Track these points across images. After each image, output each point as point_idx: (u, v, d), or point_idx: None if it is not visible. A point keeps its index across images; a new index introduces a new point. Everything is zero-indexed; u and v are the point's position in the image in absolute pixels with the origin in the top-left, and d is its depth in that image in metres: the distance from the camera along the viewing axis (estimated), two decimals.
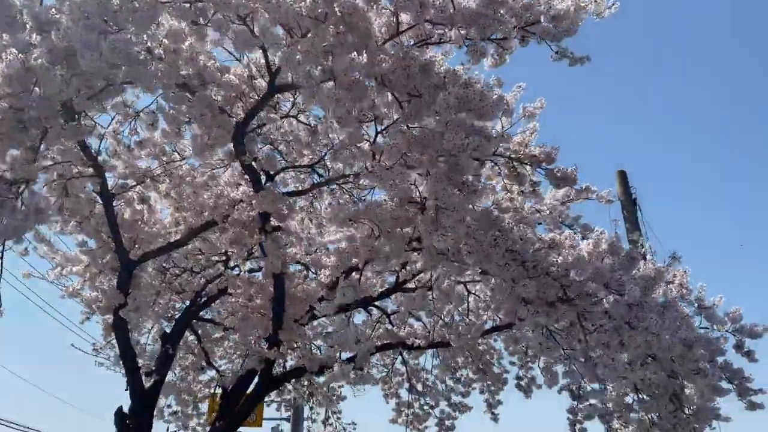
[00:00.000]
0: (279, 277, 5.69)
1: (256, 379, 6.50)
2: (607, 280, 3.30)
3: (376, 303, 8.34)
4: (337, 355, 5.46)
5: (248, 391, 6.55)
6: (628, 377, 4.27)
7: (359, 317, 8.82)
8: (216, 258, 7.22)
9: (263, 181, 5.00)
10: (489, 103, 3.05)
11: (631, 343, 3.11)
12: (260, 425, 21.39)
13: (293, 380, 9.72)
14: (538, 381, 8.66)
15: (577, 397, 8.26)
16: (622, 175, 8.66)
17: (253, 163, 4.70)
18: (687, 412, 4.29)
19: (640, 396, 4.47)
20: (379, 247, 3.95)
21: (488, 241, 3.35)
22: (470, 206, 3.53)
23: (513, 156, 4.66)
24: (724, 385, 4.36)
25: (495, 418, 9.12)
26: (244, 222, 5.13)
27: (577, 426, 8.09)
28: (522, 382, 8.64)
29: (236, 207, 5.10)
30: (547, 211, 5.90)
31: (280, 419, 21.19)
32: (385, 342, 7.15)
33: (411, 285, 8.48)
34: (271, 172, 5.11)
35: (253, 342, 6.38)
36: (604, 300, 3.21)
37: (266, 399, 10.00)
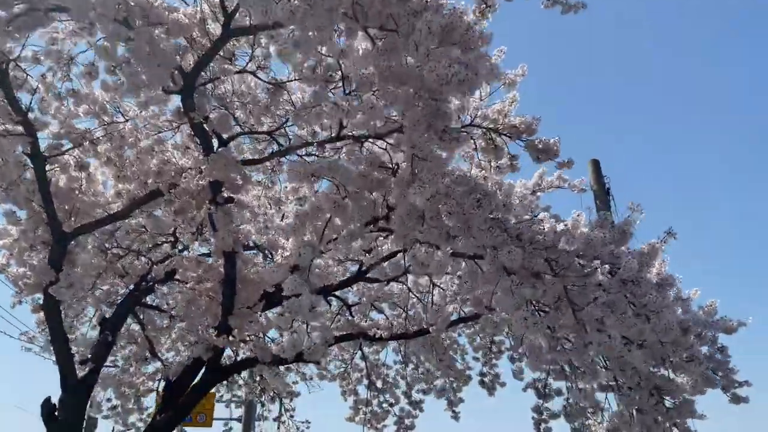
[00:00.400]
0: (230, 256, 5.20)
1: (203, 370, 5.98)
2: (599, 253, 2.93)
3: (336, 293, 7.90)
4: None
5: (194, 383, 6.02)
6: (612, 367, 3.93)
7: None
8: (163, 238, 6.67)
9: (215, 147, 4.52)
10: (476, 37, 2.67)
11: (625, 322, 2.75)
12: (210, 425, 20.65)
13: (245, 375, 9.19)
14: (503, 378, 8.34)
15: (543, 395, 7.97)
16: (596, 165, 8.41)
17: (204, 123, 4.22)
18: (667, 405, 3.97)
19: (621, 388, 4.13)
20: (343, 207, 3.50)
21: (470, 203, 2.96)
22: (449, 164, 3.14)
23: (491, 127, 4.29)
24: None
25: (456, 417, 8.76)
26: (193, 192, 4.63)
27: (542, 425, 7.79)
28: (486, 379, 8.30)
29: (184, 175, 4.60)
30: (517, 200, 5.57)
31: (230, 419, 20.48)
32: (344, 333, 6.70)
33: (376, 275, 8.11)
34: (225, 137, 4.61)
35: (200, 329, 5.85)
36: (598, 272, 2.85)
37: (217, 396, 9.44)
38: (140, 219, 5.87)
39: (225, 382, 9.14)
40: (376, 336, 6.62)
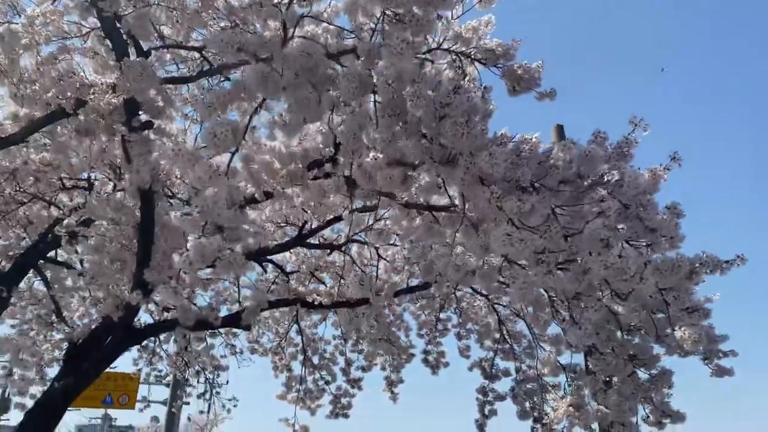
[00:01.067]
0: (147, 196, 4.43)
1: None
2: (598, 169, 2.35)
3: (273, 258, 7.20)
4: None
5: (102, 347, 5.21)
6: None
7: (252, 276, 7.63)
8: (74, 182, 5.81)
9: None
10: None
11: (629, 252, 2.20)
12: (133, 407, 19.50)
13: (168, 348, 8.36)
14: (447, 358, 7.82)
15: (489, 375, 7.51)
16: (560, 130, 7.99)
17: (117, 24, 3.46)
18: (647, 375, 3.49)
19: (595, 351, 3.63)
20: (275, 83, 2.77)
21: (443, 93, 2.33)
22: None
23: (462, 50, 3.70)
24: None
25: (394, 398, 8.21)
26: (103, 112, 3.85)
27: (487, 407, 7.33)
28: (430, 357, 7.77)
29: (92, 92, 3.81)
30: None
31: (152, 401, 19.44)
32: (280, 298, 6.01)
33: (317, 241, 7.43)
34: (144, 48, 3.84)
35: (111, 285, 5.06)
36: (599, 189, 2.28)
37: (135, 371, 8.57)
38: (45, 154, 5.00)
39: (144, 356, 8.29)
40: (316, 303, 5.95)
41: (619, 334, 3.72)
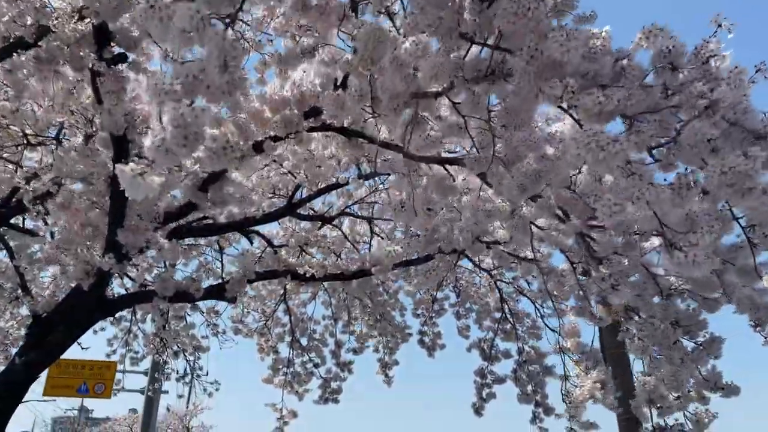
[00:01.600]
0: (121, 145, 3.91)
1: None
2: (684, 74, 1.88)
3: (260, 231, 6.69)
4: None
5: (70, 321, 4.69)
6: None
7: (235, 250, 7.12)
8: (40, 139, 5.24)
9: None
10: None
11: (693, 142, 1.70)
12: (109, 396, 18.87)
13: (146, 328, 7.82)
14: (444, 339, 7.39)
15: (489, 357, 7.09)
16: None
17: None
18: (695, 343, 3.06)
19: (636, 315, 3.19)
20: None
21: None
22: None
23: None
24: None
25: (388, 381, 7.77)
26: (68, 41, 3.32)
27: (485, 390, 6.91)
28: (426, 338, 7.33)
29: (56, 16, 3.28)
30: None
31: (129, 390, 18.85)
32: (268, 269, 5.51)
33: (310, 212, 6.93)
34: None
35: (80, 249, 4.53)
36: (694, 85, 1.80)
37: (109, 351, 8.00)
38: (5, 103, 4.44)
39: (120, 336, 7.74)
40: (307, 275, 5.47)
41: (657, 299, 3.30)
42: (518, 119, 2.83)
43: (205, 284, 5.20)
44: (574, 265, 3.92)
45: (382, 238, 6.85)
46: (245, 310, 7.53)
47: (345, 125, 4.20)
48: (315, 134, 4.61)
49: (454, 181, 3.90)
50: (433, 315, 7.35)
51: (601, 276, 3.03)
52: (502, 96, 2.82)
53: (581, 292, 3.94)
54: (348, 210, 7.10)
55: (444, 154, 3.91)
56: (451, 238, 5.18)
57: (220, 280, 6.57)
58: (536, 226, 4.11)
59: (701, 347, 3.12)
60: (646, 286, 3.06)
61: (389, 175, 6.44)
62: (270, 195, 6.55)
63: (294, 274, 5.48)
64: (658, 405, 3.21)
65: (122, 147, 3.93)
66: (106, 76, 3.44)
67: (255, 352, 7.58)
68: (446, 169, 3.94)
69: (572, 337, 3.72)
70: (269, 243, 6.54)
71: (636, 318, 3.08)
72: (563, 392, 3.92)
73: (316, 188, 6.42)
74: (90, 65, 3.39)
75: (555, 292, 4.03)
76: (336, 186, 6.45)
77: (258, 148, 4.36)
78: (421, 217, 4.97)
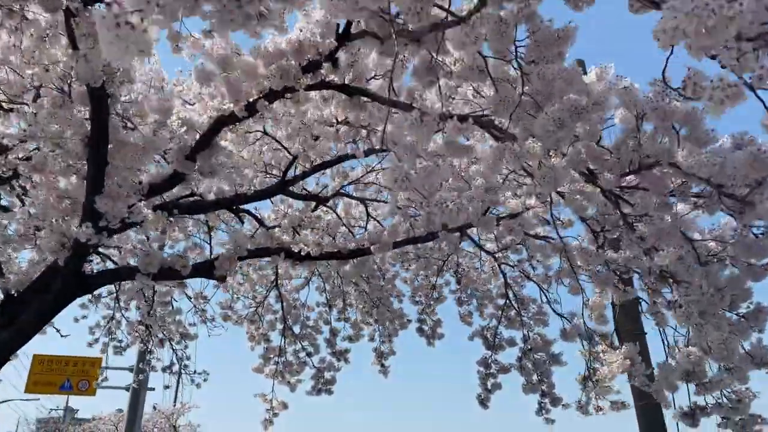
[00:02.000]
0: (99, 99, 3.54)
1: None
2: None
3: (251, 209, 6.33)
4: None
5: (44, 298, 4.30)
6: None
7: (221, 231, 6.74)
8: (15, 102, 4.84)
9: None
10: None
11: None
12: (94, 393, 18.40)
13: (130, 316, 7.41)
14: (442, 330, 7.04)
15: (492, 346, 6.76)
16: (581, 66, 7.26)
17: None
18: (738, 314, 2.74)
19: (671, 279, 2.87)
20: None
21: None
22: None
23: None
24: None
25: (384, 372, 7.41)
26: None
27: (490, 381, 6.58)
28: (425, 326, 6.98)
29: None
30: None
31: (113, 388, 18.43)
32: (260, 247, 5.14)
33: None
34: None
35: (55, 220, 4.15)
36: None
37: (91, 339, 7.59)
38: None
39: (103, 324, 7.34)
40: (302, 253, 5.10)
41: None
42: (551, 52, 2.50)
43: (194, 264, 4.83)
44: (596, 234, 3.59)
45: (379, 222, 6.50)
46: (235, 295, 7.15)
47: (346, 82, 3.85)
48: (313, 95, 4.26)
49: (468, 140, 3.57)
50: (432, 302, 7.02)
51: (640, 235, 2.70)
52: (534, 26, 2.50)
53: (604, 266, 3.62)
54: (343, 191, 6.76)
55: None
56: (457, 212, 4.85)
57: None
58: (558, 193, 3.78)
59: (744, 319, 2.80)
60: (684, 251, 2.74)
61: (388, 151, 6.11)
62: (262, 172, 6.18)
63: (288, 252, 5.12)
64: (697, 382, 2.88)
65: (101, 102, 3.56)
66: (81, 16, 3.07)
67: (245, 340, 7.21)
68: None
69: (597, 309, 3.38)
70: (260, 223, 6.18)
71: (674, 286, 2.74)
72: (589, 368, 3.58)
73: (310, 165, 6.08)
74: (64, 5, 3.02)
75: (579, 263, 3.69)
76: (332, 163, 6.11)
77: (251, 108, 4.01)
78: (424, 188, 4.64)
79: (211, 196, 5.83)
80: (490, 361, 6.61)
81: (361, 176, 6.82)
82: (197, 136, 4.39)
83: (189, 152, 4.33)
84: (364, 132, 5.35)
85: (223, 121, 4.23)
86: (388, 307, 6.73)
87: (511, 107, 2.58)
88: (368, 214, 6.76)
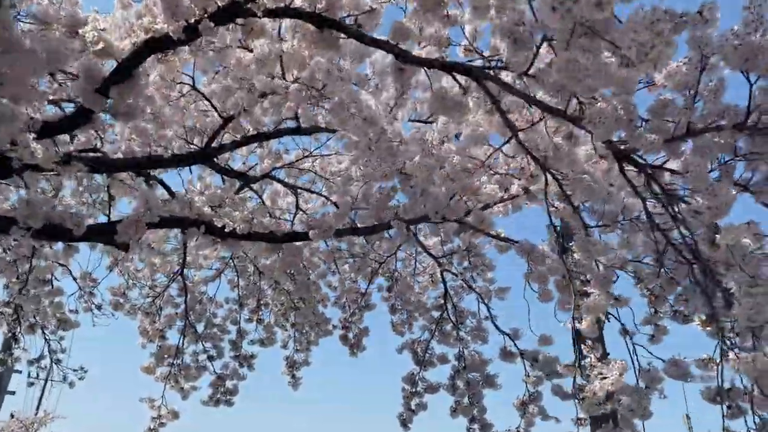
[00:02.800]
0: None
1: None
2: None
3: (162, 176, 5.40)
4: None
5: None
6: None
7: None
8: None
9: None
10: None
11: None
12: None
13: None
14: (367, 342, 6.30)
15: (422, 362, 6.10)
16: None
17: None
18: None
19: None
20: None
21: None
22: None
23: None
24: None
25: (295, 384, 6.57)
26: None
27: (415, 400, 5.90)
28: (350, 334, 6.22)
29: None
30: None
31: None
32: (175, 216, 4.23)
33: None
34: None
35: None
36: None
37: None
38: None
39: None
40: (226, 229, 4.26)
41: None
42: None
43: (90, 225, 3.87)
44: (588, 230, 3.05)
45: (306, 214, 5.70)
46: (131, 281, 6.09)
47: (317, 11, 3.13)
48: (270, 27, 3.52)
49: (465, 93, 2.94)
50: (359, 309, 6.28)
51: (696, 208, 2.15)
52: None
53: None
54: (273, 175, 5.95)
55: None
56: (411, 207, 4.21)
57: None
58: (554, 177, 3.22)
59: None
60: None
61: (333, 132, 5.39)
62: (182, 139, 5.27)
63: (209, 227, 4.25)
64: (730, 404, 2.35)
65: None
66: None
67: (136, 335, 6.15)
68: (455, 78, 2.97)
69: (595, 312, 2.81)
70: (170, 192, 5.26)
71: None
72: (575, 387, 2.99)
73: (243, 136, 5.25)
74: None
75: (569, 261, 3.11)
76: (268, 136, 5.31)
77: (191, 31, 3.20)
78: (384, 163, 3.97)
79: (119, 155, 4.88)
80: (417, 378, 5.94)
81: (296, 161, 6.05)
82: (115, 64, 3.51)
83: (101, 83, 3.43)
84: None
85: (152, 46, 3.38)
86: (312, 310, 5.92)
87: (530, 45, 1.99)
88: (297, 206, 5.98)
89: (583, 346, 3.03)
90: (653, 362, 3.01)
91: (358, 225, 4.71)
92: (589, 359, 2.92)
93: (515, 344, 5.31)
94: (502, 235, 4.44)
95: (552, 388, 4.26)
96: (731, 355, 2.18)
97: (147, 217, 3.82)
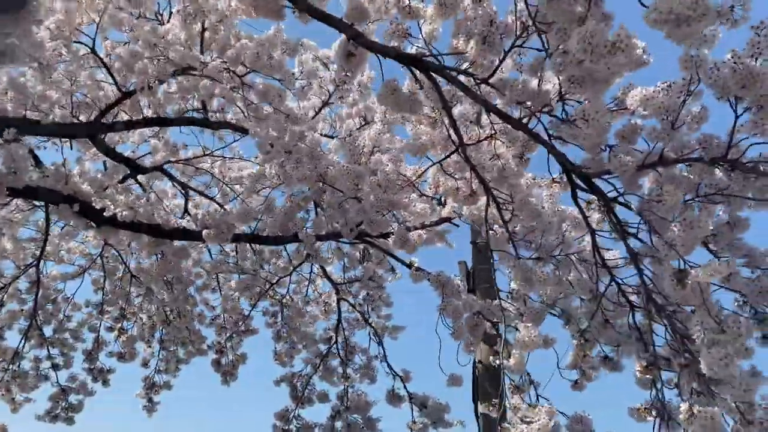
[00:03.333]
0: None
1: None
2: None
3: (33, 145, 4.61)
4: None
5: None
6: None
7: None
8: None
9: None
10: None
11: None
12: None
13: None
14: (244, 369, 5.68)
15: (299, 398, 5.55)
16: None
17: None
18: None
19: None
20: None
21: None
22: None
23: None
24: None
25: (150, 408, 5.77)
26: None
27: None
28: (223, 359, 5.55)
29: None
30: None
31: None
32: (44, 188, 3.52)
33: None
34: None
35: None
36: None
37: None
38: None
39: None
40: (105, 213, 3.62)
41: None
42: None
43: None
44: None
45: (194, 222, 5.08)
46: None
47: None
48: None
49: (421, 88, 2.64)
50: (239, 332, 5.68)
51: (671, 240, 1.94)
52: None
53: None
54: (164, 169, 5.32)
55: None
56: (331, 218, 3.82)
57: None
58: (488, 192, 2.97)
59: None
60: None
61: (245, 133, 4.91)
62: (65, 107, 4.57)
63: (86, 207, 3.60)
64: None
65: None
66: None
67: None
68: (411, 71, 2.68)
69: (527, 348, 2.51)
70: (37, 160, 4.49)
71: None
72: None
73: (138, 116, 4.65)
74: None
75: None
76: (169, 122, 4.74)
77: None
78: (302, 167, 3.58)
79: None
80: (292, 415, 5.40)
81: (194, 158, 5.47)
82: None
83: None
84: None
85: None
86: (187, 325, 5.25)
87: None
88: (186, 210, 5.38)
89: (508, 386, 2.74)
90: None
91: (259, 234, 4.22)
92: (513, 402, 2.63)
93: (405, 387, 4.97)
94: (416, 265, 4.14)
95: None
96: (683, 407, 1.94)
97: (10, 181, 3.14)
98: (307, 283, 5.43)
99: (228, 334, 5.62)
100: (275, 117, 3.78)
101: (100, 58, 4.24)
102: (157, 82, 4.22)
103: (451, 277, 3.75)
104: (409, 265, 4.18)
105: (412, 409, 4.92)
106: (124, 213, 3.66)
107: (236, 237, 4.05)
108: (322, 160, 3.52)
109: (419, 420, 4.88)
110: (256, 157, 5.56)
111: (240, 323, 5.58)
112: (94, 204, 3.65)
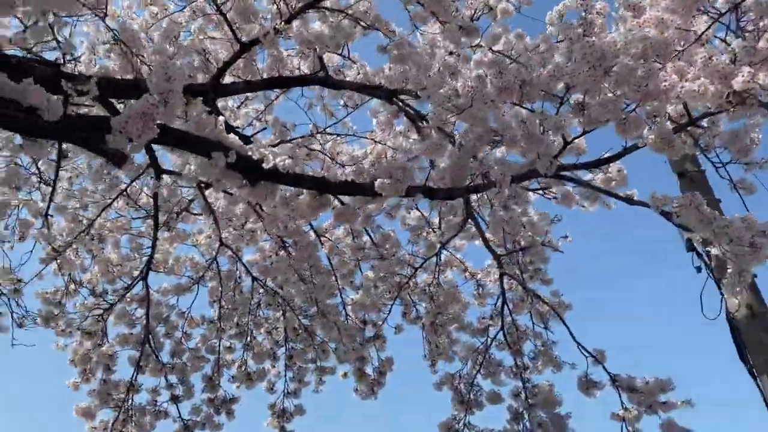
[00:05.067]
0: None
1: None
2: None
3: None
4: None
5: None
6: None
7: None
8: None
9: None
10: None
11: None
12: None
13: None
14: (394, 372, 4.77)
15: (466, 401, 4.63)
16: None
17: None
18: None
19: None
20: None
21: None
22: None
23: None
24: None
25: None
26: None
27: None
28: (367, 366, 4.65)
29: None
30: None
31: None
32: (197, 134, 2.75)
33: None
34: None
35: None
36: None
37: None
38: None
39: None
40: (265, 165, 2.84)
41: None
42: None
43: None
44: None
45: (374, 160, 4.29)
46: (72, 285, 4.34)
47: None
48: None
49: None
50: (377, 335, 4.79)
51: None
52: None
53: None
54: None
55: None
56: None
57: None
58: None
59: None
60: None
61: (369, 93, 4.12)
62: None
63: (241, 157, 2.81)
64: None
65: None
66: None
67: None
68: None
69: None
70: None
71: None
72: None
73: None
74: None
75: None
76: (284, 82, 4.00)
77: None
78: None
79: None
80: (459, 425, 4.47)
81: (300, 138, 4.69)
82: None
83: None
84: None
85: None
86: (336, 321, 4.36)
87: None
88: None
89: None
90: None
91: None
92: None
93: (605, 368, 4.04)
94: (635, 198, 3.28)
95: None
96: None
97: (161, 113, 2.36)
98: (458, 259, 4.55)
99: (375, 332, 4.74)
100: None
101: (217, 4, 3.54)
102: (278, 28, 3.52)
103: None
104: (628, 198, 3.33)
105: (620, 395, 3.99)
106: (286, 161, 2.86)
107: (409, 190, 3.24)
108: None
109: (630, 406, 3.95)
110: (372, 132, 4.82)
111: (381, 322, 4.72)
112: (251, 154, 2.87)
